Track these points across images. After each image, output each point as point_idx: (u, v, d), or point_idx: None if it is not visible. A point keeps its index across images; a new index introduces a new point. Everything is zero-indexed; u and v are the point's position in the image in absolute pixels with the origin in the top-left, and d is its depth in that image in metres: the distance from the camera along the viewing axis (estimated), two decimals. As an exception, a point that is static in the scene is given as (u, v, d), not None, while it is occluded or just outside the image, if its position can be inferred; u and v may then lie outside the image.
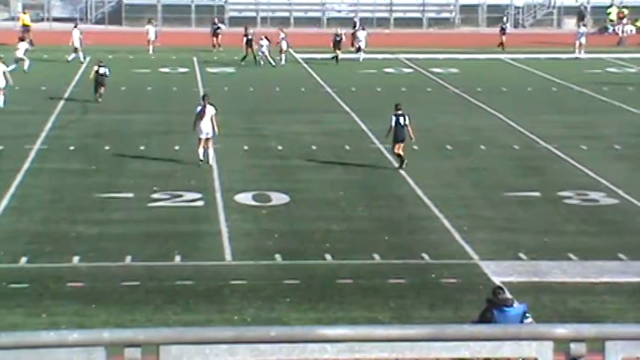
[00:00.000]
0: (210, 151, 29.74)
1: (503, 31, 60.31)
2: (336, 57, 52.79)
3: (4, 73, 39.59)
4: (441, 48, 58.42)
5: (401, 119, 29.46)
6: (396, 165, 29.51)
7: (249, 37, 53.00)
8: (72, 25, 55.78)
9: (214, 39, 57.00)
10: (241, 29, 54.73)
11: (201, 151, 29.61)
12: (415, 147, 32.62)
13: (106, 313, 18.32)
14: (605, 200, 26.56)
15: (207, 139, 29.66)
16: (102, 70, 40.84)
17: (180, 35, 62.30)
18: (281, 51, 52.41)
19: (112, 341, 7.73)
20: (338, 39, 53.34)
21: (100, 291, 19.37)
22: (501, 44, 59.39)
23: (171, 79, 47.47)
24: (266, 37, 52.17)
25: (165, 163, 30.02)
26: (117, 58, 53.18)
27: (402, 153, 29.50)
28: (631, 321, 17.82)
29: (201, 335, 7.73)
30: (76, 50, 51.52)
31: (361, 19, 65.80)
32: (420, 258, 21.63)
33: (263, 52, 51.60)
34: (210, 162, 29.60)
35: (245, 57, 52.37)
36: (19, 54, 49.27)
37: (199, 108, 30.05)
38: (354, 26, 60.00)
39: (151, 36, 56.17)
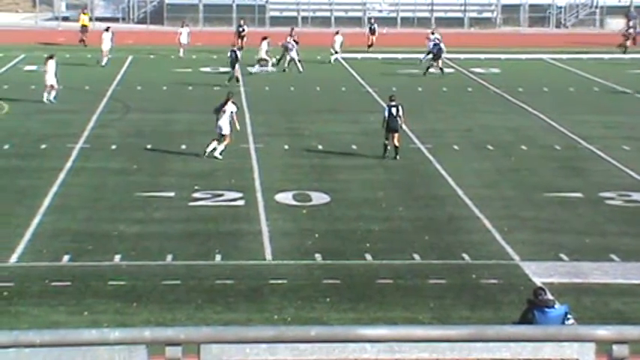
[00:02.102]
0: (220, 146, 30.37)
1: (628, 32, 60.05)
2: (441, 69, 48.75)
3: (55, 70, 39.83)
4: (482, 48, 58.21)
5: (393, 110, 30.31)
6: (388, 155, 30.20)
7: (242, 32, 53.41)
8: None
9: (239, 41, 56.49)
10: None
11: (212, 145, 30.38)
12: (456, 147, 32.54)
13: (146, 311, 18.41)
14: (648, 201, 26.35)
15: (222, 135, 30.51)
16: (233, 55, 44.43)
17: (222, 35, 62.40)
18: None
19: (153, 340, 7.78)
20: (437, 48, 49.00)
21: (141, 290, 19.47)
22: (624, 45, 58.98)
23: (212, 78, 47.61)
24: (293, 37, 49.95)
25: (206, 162, 30.13)
26: (158, 58, 53.45)
27: (396, 144, 30.31)
28: (674, 323, 17.66)
29: (241, 334, 7.76)
30: (102, 53, 50.72)
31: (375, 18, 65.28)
32: (461, 258, 21.56)
33: (292, 57, 49.56)
34: (216, 154, 30.33)
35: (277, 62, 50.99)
36: (262, 54, 49.11)
37: (220, 104, 30.84)
38: (371, 25, 59.73)
39: (183, 39, 54.81)
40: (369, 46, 57.71)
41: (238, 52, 45.41)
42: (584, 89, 45.86)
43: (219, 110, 30.84)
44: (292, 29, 53.35)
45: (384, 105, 30.53)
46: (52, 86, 39.57)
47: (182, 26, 56.40)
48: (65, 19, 71.73)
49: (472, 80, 47.74)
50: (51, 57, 40.43)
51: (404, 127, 30.78)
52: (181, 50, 54.79)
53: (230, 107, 30.86)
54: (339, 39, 53.88)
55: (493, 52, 57.54)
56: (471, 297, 19.30)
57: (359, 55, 54.92)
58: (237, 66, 45.00)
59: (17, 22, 72.48)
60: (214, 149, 30.39)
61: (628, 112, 39.96)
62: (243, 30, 56.93)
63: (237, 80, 44.49)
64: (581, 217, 24.85)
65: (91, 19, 62.31)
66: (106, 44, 51.05)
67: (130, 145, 32.33)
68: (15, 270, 20.59)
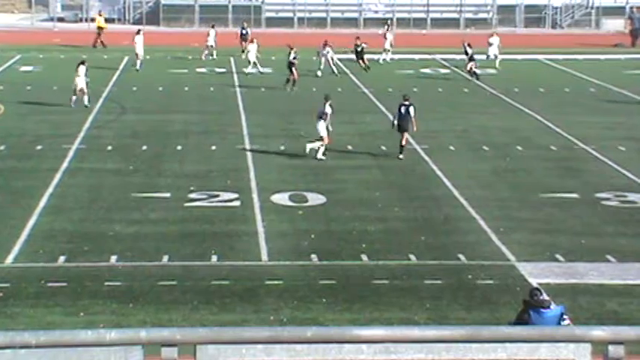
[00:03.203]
0: (321, 148, 30.57)
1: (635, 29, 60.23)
2: (476, 74, 47.64)
3: (85, 74, 39.39)
4: (478, 49, 58.14)
5: (402, 109, 30.68)
6: (400, 156, 30.61)
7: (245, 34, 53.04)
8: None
9: (243, 43, 56.28)
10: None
11: (310, 146, 30.80)
12: (452, 147, 32.54)
13: (142, 312, 18.40)
14: (644, 202, 26.37)
15: (320, 137, 30.85)
16: (291, 56, 44.05)
17: (217, 36, 62.31)
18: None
19: (149, 340, 7.78)
20: (471, 53, 48.11)
21: (137, 290, 19.46)
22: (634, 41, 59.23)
23: (208, 79, 47.61)
24: (326, 43, 48.85)
25: (202, 163, 30.13)
26: (154, 59, 53.36)
27: (403, 143, 30.67)
28: (669, 324, 17.66)
29: (237, 335, 7.77)
30: (137, 56, 49.93)
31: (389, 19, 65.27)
32: (457, 259, 21.56)
33: (328, 60, 48.56)
34: (318, 156, 30.44)
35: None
36: (251, 58, 48.68)
37: (321, 109, 31.31)
38: (387, 27, 59.39)
39: (210, 41, 53.75)
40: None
41: (296, 54, 44.69)
42: (579, 90, 45.88)
43: (322, 113, 31.00)
44: (358, 37, 51.87)
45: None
46: (82, 90, 38.91)
47: (211, 27, 55.51)
48: (60, 19, 71.71)
49: (468, 81, 47.74)
50: (82, 63, 39.76)
51: (414, 128, 30.77)
52: (205, 53, 53.75)
53: (327, 109, 31.00)
54: (390, 37, 54.40)
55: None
56: (467, 298, 19.31)
57: (355, 56, 54.79)
58: (293, 69, 44.32)
59: (13, 22, 72.46)
60: (316, 150, 30.67)
61: (624, 112, 39.97)
62: (247, 32, 56.63)
63: (294, 83, 44.04)
64: (577, 218, 24.86)
65: (107, 21, 61.88)
66: (140, 48, 50.03)
67: (126, 146, 32.32)
68: (11, 271, 20.58)
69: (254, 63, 48.83)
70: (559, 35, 69.35)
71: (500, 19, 72.62)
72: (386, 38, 54.49)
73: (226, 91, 44.04)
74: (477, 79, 47.54)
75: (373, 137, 33.52)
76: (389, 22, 61.96)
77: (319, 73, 48.25)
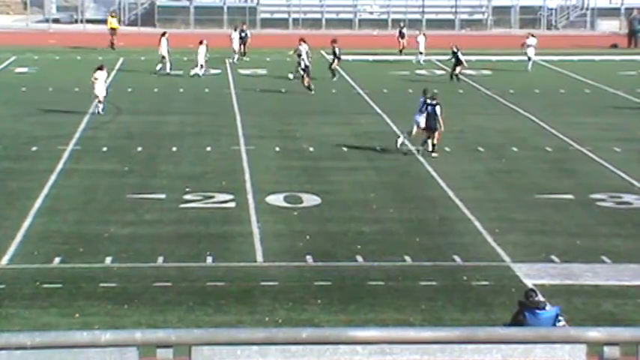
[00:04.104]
0: (429, 141, 30.97)
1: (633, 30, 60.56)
2: (456, 75, 47.73)
3: (105, 81, 38.89)
4: (473, 50, 58.23)
5: (429, 108, 31.03)
6: (429, 149, 31.07)
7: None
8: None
9: (241, 47, 55.76)
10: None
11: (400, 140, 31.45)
12: (447, 149, 32.55)
13: (137, 313, 18.39)
14: (639, 203, 26.38)
15: (424, 129, 31.15)
16: (304, 64, 43.67)
17: (212, 37, 62.35)
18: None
19: (144, 342, 7.79)
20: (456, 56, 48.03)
21: (132, 292, 19.45)
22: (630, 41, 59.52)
23: (203, 80, 47.57)
24: (302, 40, 47.21)
25: (197, 164, 30.12)
26: (149, 60, 53.31)
27: (435, 141, 31.03)
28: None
29: (232, 336, 7.78)
30: (162, 59, 49.21)
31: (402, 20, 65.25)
32: (452, 260, 21.57)
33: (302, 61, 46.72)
34: (433, 154, 30.92)
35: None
36: (200, 60, 47.94)
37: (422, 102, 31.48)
38: (400, 29, 59.14)
39: (235, 45, 52.83)
40: (401, 50, 57.24)
41: (307, 61, 44.24)
42: (575, 91, 45.92)
43: (421, 109, 31.36)
44: (334, 40, 49.11)
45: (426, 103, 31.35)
46: (101, 97, 38.03)
47: (235, 30, 54.55)
48: (56, 21, 71.67)
49: (463, 82, 47.76)
50: (100, 68, 38.74)
51: (442, 127, 31.07)
52: (235, 57, 53.28)
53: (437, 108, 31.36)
54: (422, 40, 54.58)
55: (484, 53, 57.56)
56: (462, 299, 19.32)
57: (350, 57, 54.87)
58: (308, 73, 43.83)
59: (8, 24, 72.40)
60: (426, 144, 31.23)
61: (619, 113, 40.01)
62: (246, 35, 56.24)
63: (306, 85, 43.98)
64: (572, 219, 24.88)
65: (102, 22, 61.57)
66: (164, 49, 49.26)
67: (121, 147, 32.30)
68: (6, 272, 20.56)
69: (201, 65, 48.22)
70: (554, 36, 69.37)
71: (495, 20, 72.65)
72: (418, 42, 54.43)
73: (221, 93, 44.02)
74: (457, 80, 47.48)
75: (368, 138, 33.51)
76: (401, 24, 61.51)
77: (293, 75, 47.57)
